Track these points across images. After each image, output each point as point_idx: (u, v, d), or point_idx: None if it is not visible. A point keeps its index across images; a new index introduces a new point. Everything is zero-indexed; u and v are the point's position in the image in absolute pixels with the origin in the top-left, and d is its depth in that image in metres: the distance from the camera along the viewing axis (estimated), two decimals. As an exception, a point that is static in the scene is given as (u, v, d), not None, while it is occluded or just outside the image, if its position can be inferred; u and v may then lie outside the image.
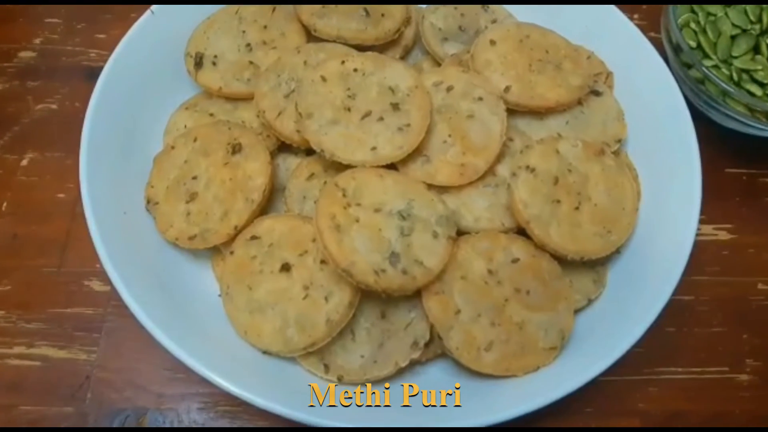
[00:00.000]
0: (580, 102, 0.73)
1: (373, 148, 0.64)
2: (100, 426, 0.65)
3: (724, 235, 0.78)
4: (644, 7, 0.97)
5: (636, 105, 0.76)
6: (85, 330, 0.69)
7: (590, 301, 0.65)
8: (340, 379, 0.59)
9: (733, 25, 0.80)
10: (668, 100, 0.74)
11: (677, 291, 0.62)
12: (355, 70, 0.69)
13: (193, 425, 0.65)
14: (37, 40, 0.89)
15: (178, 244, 0.65)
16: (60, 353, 0.68)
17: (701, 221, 0.69)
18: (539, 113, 0.72)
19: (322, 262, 0.61)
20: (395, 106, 0.66)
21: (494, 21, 0.81)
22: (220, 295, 0.64)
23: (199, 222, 0.65)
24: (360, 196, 0.62)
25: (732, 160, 0.83)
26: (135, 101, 0.74)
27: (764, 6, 0.81)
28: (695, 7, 0.82)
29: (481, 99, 0.69)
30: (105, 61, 0.88)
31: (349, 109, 0.66)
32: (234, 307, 0.61)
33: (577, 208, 0.64)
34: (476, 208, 0.66)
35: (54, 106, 0.84)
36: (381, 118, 0.66)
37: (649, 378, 0.69)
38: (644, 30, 0.95)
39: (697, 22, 0.81)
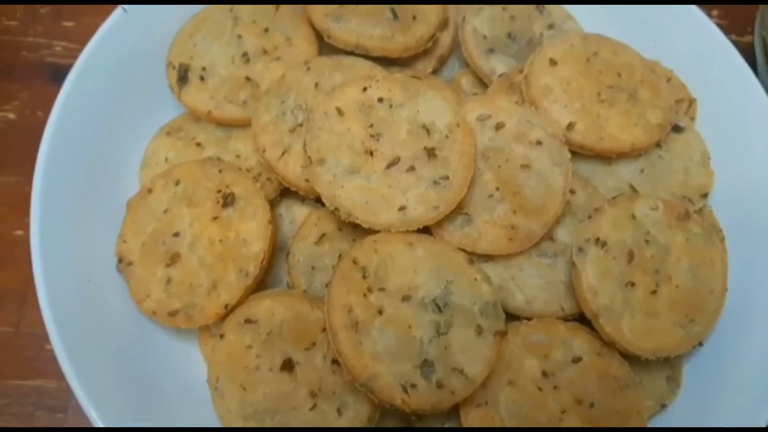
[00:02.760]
0: (658, 143, 0.58)
1: (402, 208, 0.51)
2: None
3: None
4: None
5: (722, 141, 0.61)
6: (47, 409, 0.58)
7: (663, 407, 0.53)
8: (354, 508, 0.48)
9: None
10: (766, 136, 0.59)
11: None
12: (380, 100, 0.54)
13: None
14: (-9, 28, 0.74)
15: (156, 319, 0.53)
16: (17, 438, 0.57)
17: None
18: (608, 158, 0.58)
19: (334, 362, 0.48)
20: (431, 152, 0.52)
21: (551, 26, 0.65)
22: (208, 381, 0.52)
23: (181, 294, 0.52)
24: (384, 277, 0.49)
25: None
26: (105, 122, 0.60)
27: None
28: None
29: (540, 143, 0.54)
30: (74, 58, 0.73)
31: (371, 153, 0.52)
32: (225, 406, 0.49)
33: (654, 292, 0.51)
34: (529, 285, 0.53)
35: (11, 116, 0.70)
36: (412, 168, 0.52)
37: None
38: (724, 31, 0.80)
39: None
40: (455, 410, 0.48)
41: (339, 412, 0.47)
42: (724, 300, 0.54)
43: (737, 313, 0.55)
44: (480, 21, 0.64)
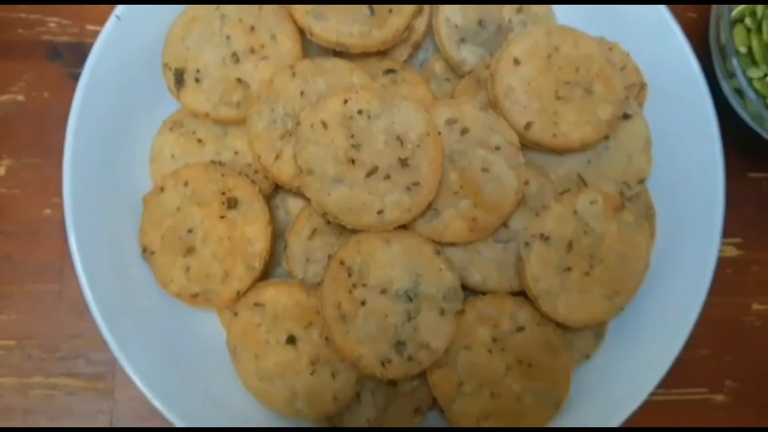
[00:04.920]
0: (606, 135, 0.66)
1: (380, 212, 0.60)
2: None
3: (731, 251, 0.78)
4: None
5: (665, 126, 0.69)
6: (96, 362, 0.71)
7: (588, 357, 0.67)
8: (347, 439, 0.64)
9: (794, 15, 0.69)
10: (703, 129, 0.67)
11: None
12: (360, 112, 0.61)
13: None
14: (-17, 4, 0.76)
15: (180, 299, 0.64)
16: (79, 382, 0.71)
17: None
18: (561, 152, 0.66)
19: (328, 338, 0.61)
20: (404, 162, 0.60)
21: (519, 10, 0.69)
22: (227, 345, 0.65)
23: (200, 281, 0.63)
24: (365, 274, 0.60)
25: (758, 162, 0.79)
26: (116, 123, 0.66)
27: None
28: (755, -8, 0.70)
29: (498, 148, 0.62)
30: (68, 35, 0.78)
31: (353, 162, 0.60)
32: (243, 368, 0.63)
33: (587, 274, 0.63)
34: (485, 266, 0.64)
35: (20, 98, 0.75)
36: (388, 176, 0.60)
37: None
38: (696, 23, 0.82)
39: (753, 15, 0.69)
40: (422, 372, 0.62)
41: (333, 376, 0.61)
42: (644, 276, 0.65)
43: (656, 277, 0.67)
44: (452, 9, 0.68)
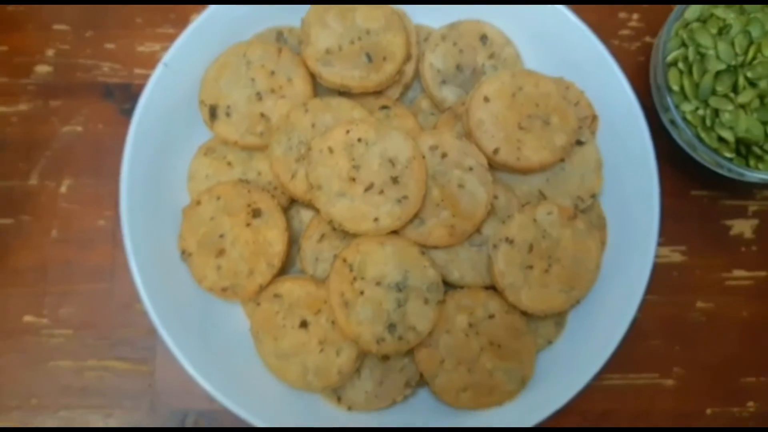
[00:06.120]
0: (562, 159, 0.80)
1: (375, 220, 0.74)
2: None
3: (677, 257, 0.91)
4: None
5: (614, 150, 0.83)
6: (140, 348, 0.85)
7: (550, 343, 0.80)
8: (349, 408, 0.77)
9: (718, 58, 0.83)
10: (642, 155, 0.81)
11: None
12: (359, 140, 0.75)
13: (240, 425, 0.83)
14: (50, 52, 0.92)
15: (213, 293, 0.78)
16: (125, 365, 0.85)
17: (660, 243, 0.81)
18: (524, 172, 0.80)
19: (334, 322, 0.74)
20: (394, 180, 0.75)
21: (491, 56, 0.85)
22: (250, 331, 0.78)
23: (229, 277, 0.77)
24: (364, 270, 0.74)
25: (697, 182, 0.92)
26: (160, 147, 0.81)
27: (754, 38, 0.84)
28: (687, 39, 0.84)
29: (471, 169, 0.77)
30: (119, 77, 0.93)
31: (353, 180, 0.75)
32: (263, 349, 0.76)
33: (546, 271, 0.76)
34: (463, 266, 0.78)
35: (79, 129, 0.90)
36: (382, 191, 0.75)
37: (593, 383, 0.86)
38: (641, 34, 0.98)
39: (685, 60, 0.84)
40: (410, 351, 0.75)
41: (338, 353, 0.74)
42: (597, 274, 0.78)
43: (608, 276, 0.80)
44: (435, 56, 0.83)
